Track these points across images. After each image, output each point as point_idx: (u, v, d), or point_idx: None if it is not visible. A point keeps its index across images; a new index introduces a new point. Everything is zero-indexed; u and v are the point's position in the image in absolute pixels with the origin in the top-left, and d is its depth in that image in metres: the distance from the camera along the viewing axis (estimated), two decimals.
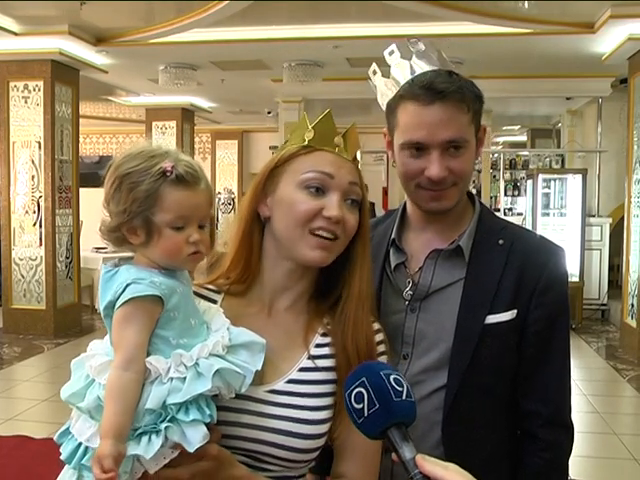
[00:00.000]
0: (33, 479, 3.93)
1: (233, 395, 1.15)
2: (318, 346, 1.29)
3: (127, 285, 1.11)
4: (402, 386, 1.00)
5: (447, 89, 1.33)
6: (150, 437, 1.08)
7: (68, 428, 1.16)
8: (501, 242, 1.45)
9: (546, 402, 1.42)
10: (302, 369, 1.25)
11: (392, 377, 1.00)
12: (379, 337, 1.33)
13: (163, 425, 1.08)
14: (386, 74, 1.47)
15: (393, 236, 1.52)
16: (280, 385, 1.23)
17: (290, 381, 1.24)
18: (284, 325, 1.30)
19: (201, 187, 1.18)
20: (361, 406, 0.98)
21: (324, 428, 1.23)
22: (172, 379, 1.10)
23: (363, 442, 1.25)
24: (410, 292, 1.46)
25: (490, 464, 0.99)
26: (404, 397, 0.98)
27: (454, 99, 1.33)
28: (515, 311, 1.40)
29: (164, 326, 1.13)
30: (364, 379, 1.00)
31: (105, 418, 1.06)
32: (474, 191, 10.65)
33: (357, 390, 0.99)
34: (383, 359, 1.30)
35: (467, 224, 1.48)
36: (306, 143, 1.26)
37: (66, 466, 1.15)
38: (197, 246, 1.17)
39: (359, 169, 1.31)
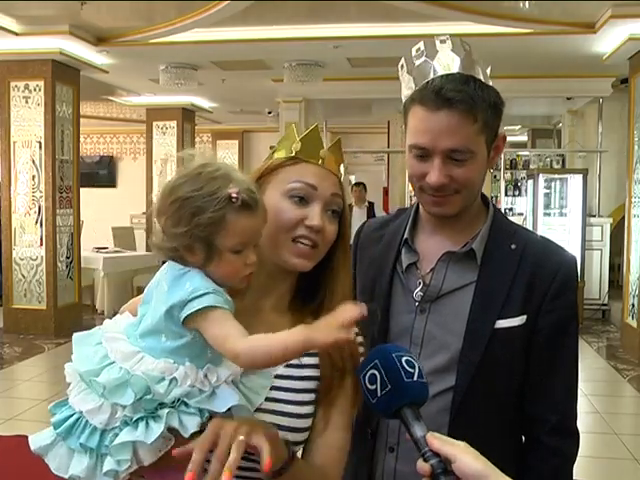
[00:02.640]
0: (33, 479, 3.93)
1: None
2: None
3: (207, 292, 1.12)
4: (414, 367, 1.04)
5: (454, 97, 1.31)
6: (148, 422, 1.09)
7: (65, 400, 1.16)
8: (513, 247, 1.45)
9: (553, 408, 1.42)
10: (288, 365, 1.28)
11: (404, 359, 1.04)
12: (359, 339, 1.35)
13: (165, 411, 1.09)
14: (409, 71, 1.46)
15: (406, 236, 1.52)
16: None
17: (277, 376, 1.26)
18: (268, 324, 1.30)
19: (260, 210, 1.19)
20: (374, 387, 1.03)
21: (308, 422, 1.26)
22: (194, 387, 1.11)
23: (332, 436, 1.28)
24: (421, 293, 1.46)
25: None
26: (415, 378, 1.03)
27: (461, 108, 1.32)
28: (525, 317, 1.40)
29: None
30: (377, 361, 1.05)
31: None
32: None
33: (370, 372, 1.04)
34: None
35: (480, 227, 1.48)
36: (293, 154, 1.31)
37: (50, 428, 1.15)
38: (252, 267, 1.20)
39: (341, 182, 1.35)
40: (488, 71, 1.43)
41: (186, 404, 1.11)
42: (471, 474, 0.93)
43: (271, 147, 1.40)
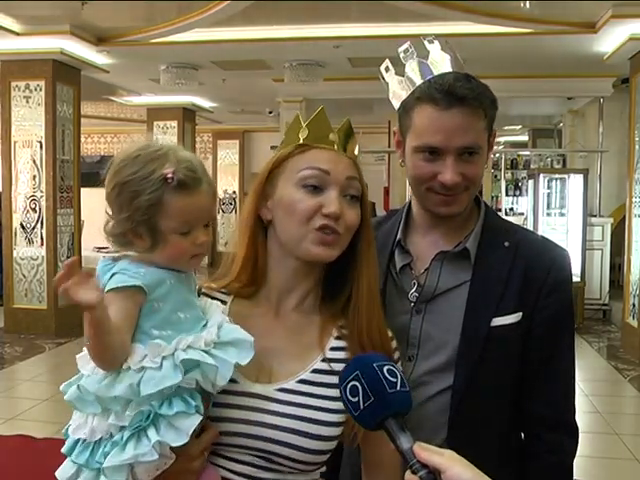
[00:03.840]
0: (34, 479, 3.93)
1: (215, 389, 1.14)
2: (333, 349, 1.28)
3: (112, 275, 1.11)
4: (396, 377, 1.00)
5: (467, 95, 1.32)
6: (139, 437, 1.08)
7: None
8: (507, 244, 1.44)
9: (551, 405, 1.42)
10: (315, 370, 1.25)
11: (385, 368, 1.00)
12: (393, 344, 1.33)
13: (147, 423, 1.08)
14: (398, 72, 1.45)
15: (399, 237, 1.51)
16: (291, 384, 1.23)
17: (302, 381, 1.23)
18: (293, 325, 1.30)
19: (203, 188, 1.16)
20: (356, 399, 0.99)
21: (335, 431, 1.22)
22: (145, 368, 1.09)
23: (392, 454, 1.26)
24: (416, 294, 1.45)
25: (495, 466, 0.99)
26: (398, 388, 0.99)
27: (473, 105, 1.33)
28: (520, 314, 1.39)
29: (146, 316, 1.12)
30: (358, 372, 1.00)
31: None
32: None
33: (352, 384, 1.00)
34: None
35: (473, 226, 1.48)
36: (301, 142, 1.26)
37: (67, 459, 1.15)
38: (202, 248, 1.18)
39: (358, 164, 1.30)
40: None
41: (170, 406, 1.09)
42: None
43: (272, 147, 1.38)
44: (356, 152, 1.30)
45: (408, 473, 0.93)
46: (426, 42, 1.43)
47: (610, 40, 7.02)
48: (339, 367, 1.23)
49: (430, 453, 0.93)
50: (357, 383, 0.99)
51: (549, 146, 12.80)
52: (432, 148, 1.35)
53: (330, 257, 1.24)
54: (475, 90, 1.33)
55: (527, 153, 12.93)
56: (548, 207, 9.05)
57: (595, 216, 9.36)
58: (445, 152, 1.34)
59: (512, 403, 1.45)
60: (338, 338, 1.29)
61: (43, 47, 7.43)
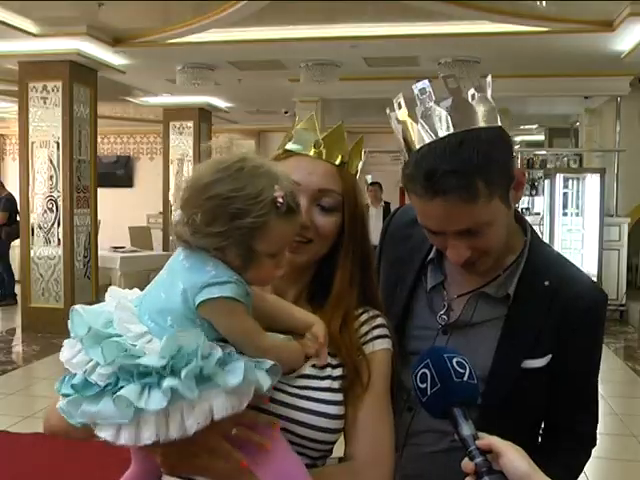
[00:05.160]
0: (51, 477, 3.96)
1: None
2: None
3: (229, 281, 1.04)
4: (465, 368, 1.06)
5: (448, 185, 1.18)
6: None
7: (64, 378, 1.14)
8: (547, 283, 1.37)
9: (577, 423, 1.45)
10: (315, 365, 1.25)
11: (455, 360, 1.06)
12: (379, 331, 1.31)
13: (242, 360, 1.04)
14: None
15: (432, 256, 1.47)
16: (291, 380, 1.23)
17: (302, 376, 1.24)
18: None
19: (300, 212, 1.13)
20: (425, 385, 1.06)
21: (339, 424, 1.23)
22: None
23: (372, 423, 1.24)
24: (445, 316, 1.43)
25: None
26: (465, 378, 1.05)
27: (457, 195, 1.19)
28: (550, 355, 1.36)
29: None
30: (428, 360, 1.08)
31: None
32: None
33: (422, 371, 1.07)
34: (381, 342, 1.29)
35: (514, 253, 1.40)
36: (287, 147, 1.30)
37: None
38: (283, 269, 1.14)
39: (342, 172, 1.28)
40: (489, 79, 1.31)
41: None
42: (514, 471, 0.95)
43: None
44: (339, 160, 1.28)
45: (465, 460, 0.98)
46: (420, 100, 1.27)
47: (628, 38, 6.97)
48: (330, 361, 1.24)
49: (490, 439, 0.99)
50: (427, 370, 1.07)
51: (566, 145, 12.73)
52: (430, 230, 1.31)
53: (293, 263, 1.24)
54: (460, 173, 1.18)
55: (543, 153, 12.84)
56: (565, 207, 9.00)
57: (612, 216, 9.29)
58: (444, 233, 1.28)
59: (532, 423, 1.44)
60: None
61: (60, 48, 7.48)
